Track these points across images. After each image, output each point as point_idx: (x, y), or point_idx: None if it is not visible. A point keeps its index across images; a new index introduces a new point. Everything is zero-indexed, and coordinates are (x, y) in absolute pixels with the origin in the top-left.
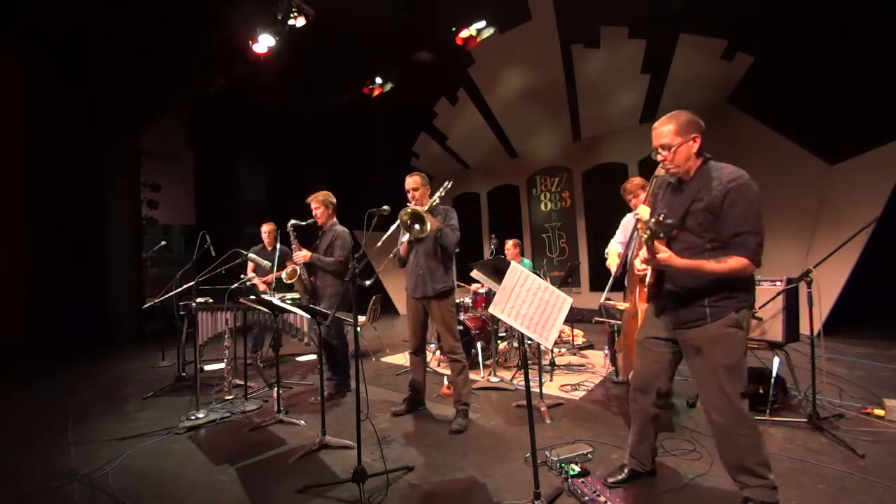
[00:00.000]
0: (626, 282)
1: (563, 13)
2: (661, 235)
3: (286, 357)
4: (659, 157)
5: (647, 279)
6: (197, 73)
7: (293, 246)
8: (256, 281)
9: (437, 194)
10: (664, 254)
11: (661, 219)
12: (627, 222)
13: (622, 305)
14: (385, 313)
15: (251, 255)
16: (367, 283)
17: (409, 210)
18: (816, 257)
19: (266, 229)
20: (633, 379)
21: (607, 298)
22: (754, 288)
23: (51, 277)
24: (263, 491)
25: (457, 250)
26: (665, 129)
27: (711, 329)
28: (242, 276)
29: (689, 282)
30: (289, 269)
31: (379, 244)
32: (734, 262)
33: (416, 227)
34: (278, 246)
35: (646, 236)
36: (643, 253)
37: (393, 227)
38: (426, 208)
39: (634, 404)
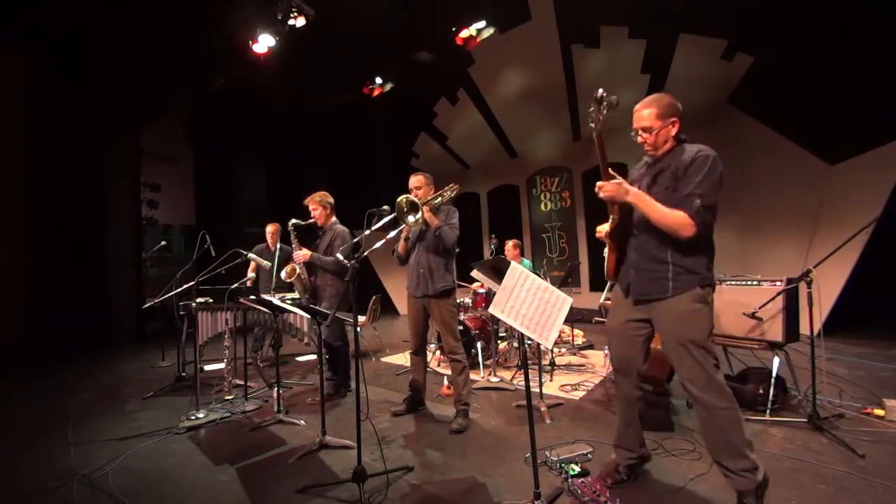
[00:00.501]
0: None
1: (563, 13)
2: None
3: (286, 357)
4: (639, 139)
5: (610, 224)
6: (197, 73)
7: (293, 245)
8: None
9: (440, 195)
10: (617, 179)
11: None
12: None
13: None
14: (385, 313)
15: (251, 255)
16: (347, 261)
17: (409, 197)
18: (816, 257)
19: (270, 230)
20: (613, 363)
21: (607, 299)
22: (712, 269)
23: (51, 277)
24: (263, 491)
25: (457, 250)
26: (646, 113)
27: (678, 304)
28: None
29: (653, 254)
30: (288, 267)
31: (373, 228)
32: (677, 216)
33: (410, 217)
34: (279, 245)
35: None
36: (599, 182)
37: (388, 218)
38: (425, 202)
39: (617, 389)
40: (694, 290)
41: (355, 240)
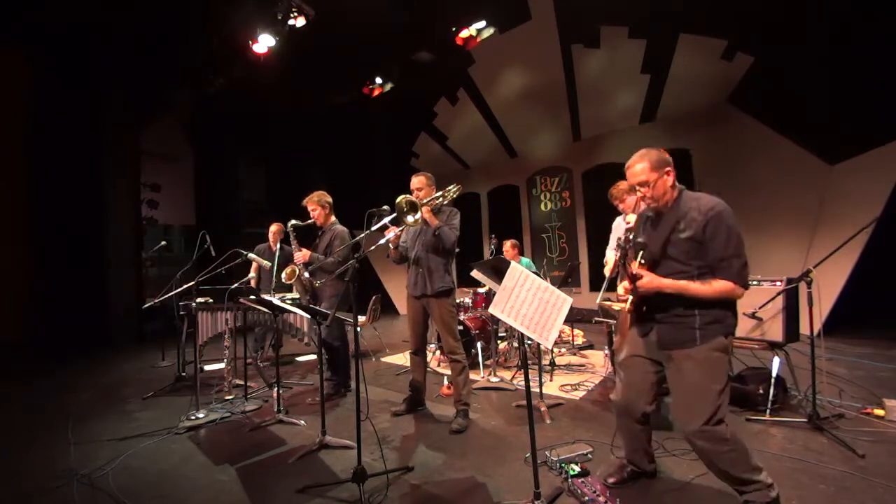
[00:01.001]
0: (619, 282)
1: (563, 13)
2: (636, 257)
3: (286, 357)
4: (639, 194)
5: (627, 306)
6: (197, 73)
7: (293, 246)
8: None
9: (441, 195)
10: (646, 278)
11: (629, 237)
12: (618, 226)
13: (618, 306)
14: (385, 313)
15: (252, 256)
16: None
17: (408, 197)
18: (816, 257)
19: (273, 229)
20: (617, 398)
21: (606, 299)
22: (736, 314)
23: (51, 277)
24: (263, 491)
25: (456, 250)
26: (639, 168)
27: (699, 353)
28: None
29: (678, 306)
30: (288, 269)
31: (373, 228)
32: (719, 286)
33: (409, 217)
34: (279, 245)
35: (618, 255)
36: (625, 284)
37: (388, 219)
38: (424, 202)
39: (619, 422)
40: (717, 340)
41: (354, 240)
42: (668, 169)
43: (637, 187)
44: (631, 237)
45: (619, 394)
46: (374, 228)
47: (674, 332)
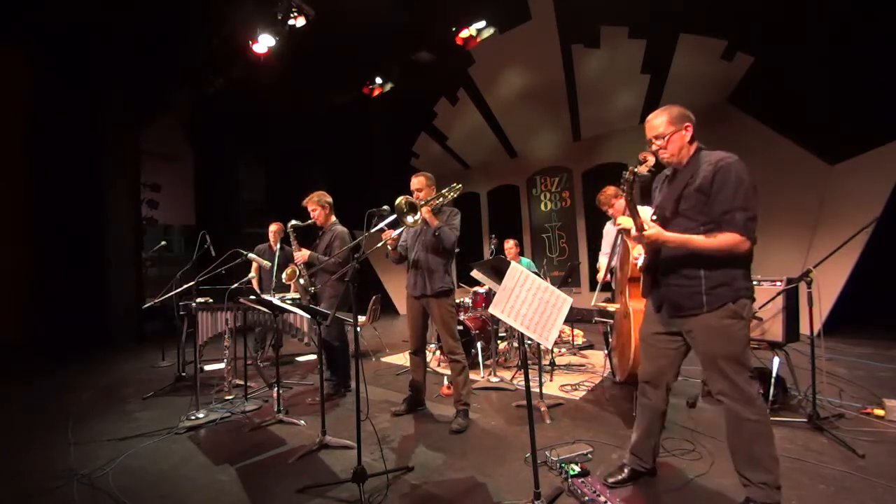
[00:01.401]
0: (612, 284)
1: (563, 13)
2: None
3: (286, 357)
4: (654, 147)
5: (641, 264)
6: (197, 73)
7: (293, 246)
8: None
9: (441, 195)
10: (653, 230)
11: (634, 169)
12: (608, 231)
13: (612, 307)
14: (385, 313)
15: (252, 256)
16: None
17: (408, 198)
18: (816, 257)
19: (273, 229)
20: (641, 374)
21: (607, 300)
22: (749, 278)
23: (51, 277)
24: (263, 491)
25: (456, 250)
26: (658, 121)
27: (710, 320)
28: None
29: (684, 265)
30: (288, 269)
31: (373, 230)
32: (725, 238)
33: (409, 218)
34: (279, 245)
35: (625, 188)
36: (633, 234)
37: (389, 219)
38: (423, 203)
39: (644, 398)
40: (727, 307)
41: (355, 241)
42: (687, 125)
43: (653, 140)
44: (635, 170)
45: (644, 369)
46: (373, 230)
47: (681, 296)
